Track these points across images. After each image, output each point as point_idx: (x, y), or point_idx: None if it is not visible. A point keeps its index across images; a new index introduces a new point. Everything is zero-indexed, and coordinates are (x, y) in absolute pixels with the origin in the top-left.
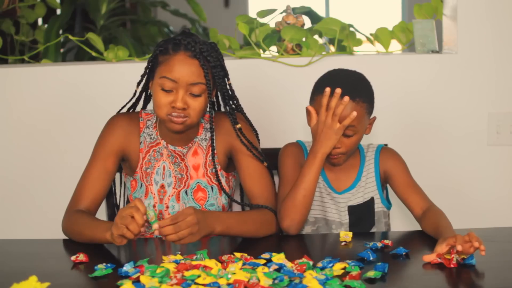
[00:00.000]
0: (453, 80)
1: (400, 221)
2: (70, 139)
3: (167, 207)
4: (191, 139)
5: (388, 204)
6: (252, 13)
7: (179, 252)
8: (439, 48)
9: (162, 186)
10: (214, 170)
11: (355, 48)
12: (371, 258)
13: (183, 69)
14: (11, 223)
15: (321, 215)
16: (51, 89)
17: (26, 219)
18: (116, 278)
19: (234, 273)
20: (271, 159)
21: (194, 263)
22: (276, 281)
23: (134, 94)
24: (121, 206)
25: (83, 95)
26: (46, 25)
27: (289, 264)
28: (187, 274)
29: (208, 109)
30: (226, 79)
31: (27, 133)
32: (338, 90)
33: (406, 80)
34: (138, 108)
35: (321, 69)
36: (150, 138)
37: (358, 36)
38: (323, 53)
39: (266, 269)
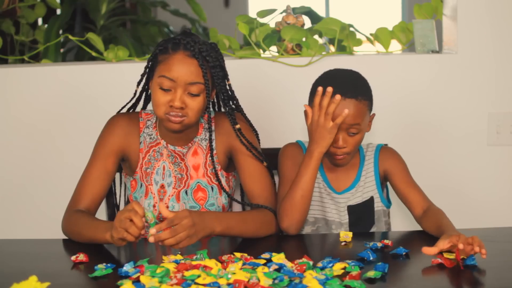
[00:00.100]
0: (453, 80)
1: (400, 220)
2: (70, 139)
3: (167, 207)
4: (191, 139)
5: (388, 203)
6: (252, 13)
7: (179, 252)
8: (439, 48)
9: (162, 186)
10: (213, 170)
11: (355, 48)
12: (371, 258)
13: (182, 68)
14: (11, 223)
15: (321, 215)
16: (51, 89)
17: (26, 219)
18: (116, 278)
19: (234, 273)
20: (271, 159)
21: (194, 263)
22: (276, 281)
23: (135, 94)
24: (121, 206)
25: (83, 95)
26: (46, 25)
27: (289, 264)
28: (187, 274)
29: (207, 109)
30: (225, 80)
31: (27, 133)
32: (330, 89)
33: (406, 80)
34: (138, 108)
35: (321, 69)
36: (150, 138)
37: (358, 36)
38: (323, 53)
39: (266, 269)
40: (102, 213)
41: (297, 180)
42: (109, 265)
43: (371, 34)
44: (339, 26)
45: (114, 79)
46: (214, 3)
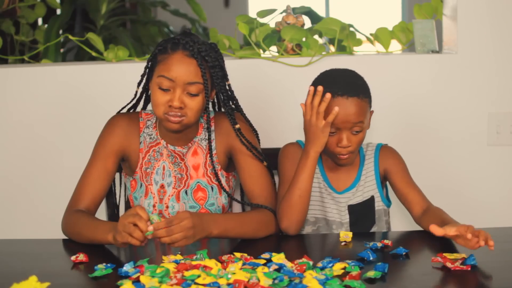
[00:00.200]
0: (453, 80)
1: (399, 220)
2: (70, 139)
3: (167, 207)
4: (190, 139)
5: (388, 202)
6: (252, 13)
7: (179, 252)
8: (439, 48)
9: (162, 186)
10: (213, 170)
11: (355, 48)
12: (371, 258)
13: (181, 68)
14: (11, 223)
15: (322, 215)
16: (51, 89)
17: (26, 219)
18: (116, 278)
19: (234, 273)
20: (270, 159)
21: (194, 263)
22: (276, 281)
23: (135, 94)
24: (121, 206)
25: (83, 95)
26: (46, 25)
27: (289, 264)
28: (187, 274)
29: (206, 109)
30: (225, 80)
31: (27, 133)
32: (320, 88)
33: (406, 80)
34: (138, 109)
35: (321, 69)
36: (150, 138)
37: (358, 36)
38: (323, 53)
39: (266, 269)
40: (102, 213)
41: (294, 181)
42: (109, 265)
43: (371, 34)
44: (339, 26)
45: (114, 79)
46: (214, 3)
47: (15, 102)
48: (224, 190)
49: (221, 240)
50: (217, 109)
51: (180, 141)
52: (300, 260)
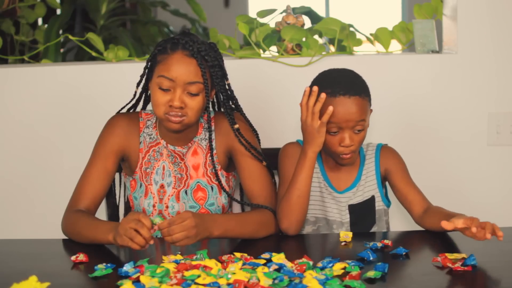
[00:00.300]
0: (453, 80)
1: (399, 220)
2: (70, 139)
3: (167, 207)
4: (190, 138)
5: (388, 202)
6: (252, 13)
7: (179, 252)
8: (439, 48)
9: (162, 186)
10: (213, 170)
11: (355, 48)
12: (371, 258)
13: (181, 68)
14: (11, 223)
15: (322, 214)
16: (51, 89)
17: (26, 219)
18: (116, 278)
19: (234, 273)
20: (270, 159)
21: (194, 263)
22: (276, 281)
23: (134, 95)
24: (121, 206)
25: (83, 95)
26: (46, 25)
27: (289, 264)
28: (187, 274)
29: (206, 109)
30: (224, 79)
31: (27, 133)
32: (315, 88)
33: (406, 80)
34: (138, 109)
35: (321, 69)
36: (150, 138)
37: (358, 36)
38: (323, 53)
39: (266, 269)
40: (102, 213)
41: (293, 181)
42: (109, 265)
43: (371, 34)
44: (339, 26)
45: (114, 79)
46: (214, 3)
47: (15, 102)
48: (224, 190)
49: (221, 240)
50: (216, 109)
51: (180, 141)
52: (300, 260)
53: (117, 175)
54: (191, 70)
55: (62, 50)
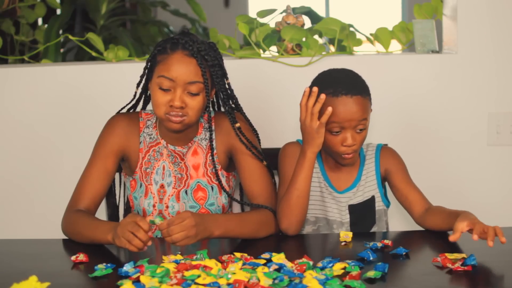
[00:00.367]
0: (453, 80)
1: (398, 220)
2: (70, 139)
3: (167, 207)
4: (190, 138)
5: (387, 202)
6: (252, 13)
7: (179, 252)
8: (439, 48)
9: (162, 186)
10: (214, 170)
11: (355, 48)
12: (371, 258)
13: (181, 68)
14: (11, 223)
15: (322, 214)
16: (51, 89)
17: (26, 219)
18: (116, 278)
19: (234, 273)
20: (270, 159)
21: (194, 263)
22: (276, 281)
23: (134, 95)
24: (121, 206)
25: (83, 95)
26: (46, 25)
27: (289, 264)
28: (187, 274)
29: (207, 109)
30: (224, 79)
31: (27, 133)
32: (315, 89)
33: (406, 80)
34: (138, 109)
35: (321, 69)
36: (150, 138)
37: (358, 36)
38: (323, 53)
39: (266, 269)
40: (102, 213)
41: (292, 181)
42: (109, 265)
43: (371, 34)
44: (339, 26)
45: (114, 79)
46: (214, 3)
47: (15, 102)
48: (224, 190)
49: (221, 240)
50: (216, 109)
51: (180, 141)
52: (300, 260)
53: (117, 175)
54: (191, 70)
55: (62, 50)
